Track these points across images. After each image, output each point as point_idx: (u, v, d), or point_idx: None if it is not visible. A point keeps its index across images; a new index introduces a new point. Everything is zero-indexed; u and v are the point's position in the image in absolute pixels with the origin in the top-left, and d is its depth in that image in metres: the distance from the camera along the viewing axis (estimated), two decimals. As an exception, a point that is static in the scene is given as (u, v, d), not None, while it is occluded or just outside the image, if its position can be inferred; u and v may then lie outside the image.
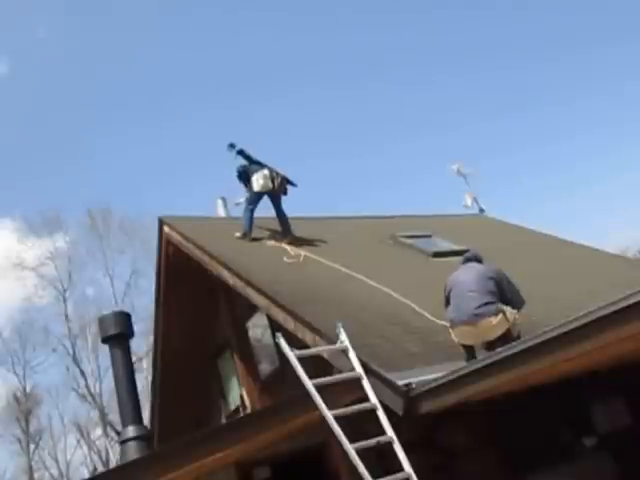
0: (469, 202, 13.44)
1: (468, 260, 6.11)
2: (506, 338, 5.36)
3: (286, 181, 9.21)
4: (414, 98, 48.23)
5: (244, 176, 9.27)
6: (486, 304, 5.50)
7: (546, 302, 7.27)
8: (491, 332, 5.45)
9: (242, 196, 9.49)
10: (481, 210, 13.70)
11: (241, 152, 9.32)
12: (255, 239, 9.05)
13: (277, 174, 9.12)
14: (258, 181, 9.00)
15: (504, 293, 5.66)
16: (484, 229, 12.57)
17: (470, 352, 5.64)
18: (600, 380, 5.67)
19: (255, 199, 9.16)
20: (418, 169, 48.57)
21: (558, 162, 49.25)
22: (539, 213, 40.57)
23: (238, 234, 9.04)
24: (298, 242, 9.07)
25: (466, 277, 5.79)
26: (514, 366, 4.41)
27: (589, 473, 5.72)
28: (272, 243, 9.01)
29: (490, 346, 5.35)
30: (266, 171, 9.04)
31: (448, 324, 5.89)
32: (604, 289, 5.98)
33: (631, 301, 3.48)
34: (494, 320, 5.44)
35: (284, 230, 9.21)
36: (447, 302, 5.88)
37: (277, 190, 9.10)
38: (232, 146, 9.34)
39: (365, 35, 45.98)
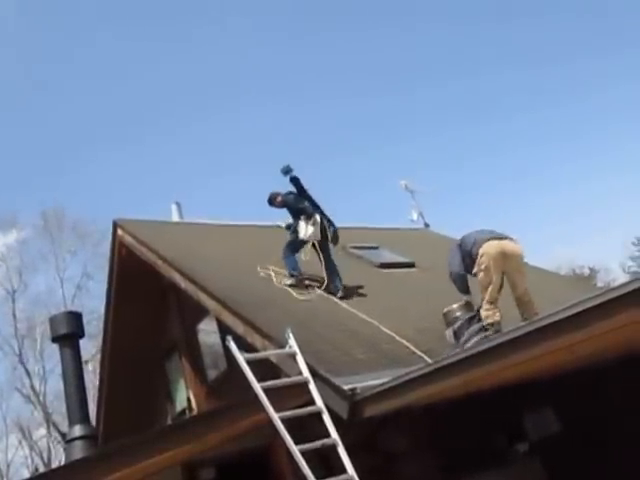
0: (415, 216, 13.95)
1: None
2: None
3: (335, 232, 8.24)
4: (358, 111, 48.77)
5: (294, 208, 8.29)
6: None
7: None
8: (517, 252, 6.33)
9: (286, 220, 8.60)
10: (426, 225, 14.21)
11: (295, 180, 8.29)
12: (307, 286, 8.06)
13: (329, 223, 8.19)
14: (307, 229, 8.03)
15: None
16: (428, 242, 12.98)
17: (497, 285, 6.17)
18: (533, 389, 5.98)
19: (298, 246, 8.24)
20: (367, 182, 49.06)
21: (509, 173, 50.55)
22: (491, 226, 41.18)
23: (290, 281, 8.02)
24: (349, 295, 8.07)
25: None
26: (455, 373, 4.60)
27: (520, 477, 6.03)
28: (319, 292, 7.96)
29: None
30: (318, 218, 8.08)
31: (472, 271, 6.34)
32: (541, 305, 6.32)
33: (563, 315, 3.76)
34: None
35: (333, 282, 8.03)
36: (469, 255, 6.36)
37: (328, 240, 8.16)
38: (288, 171, 8.23)
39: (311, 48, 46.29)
